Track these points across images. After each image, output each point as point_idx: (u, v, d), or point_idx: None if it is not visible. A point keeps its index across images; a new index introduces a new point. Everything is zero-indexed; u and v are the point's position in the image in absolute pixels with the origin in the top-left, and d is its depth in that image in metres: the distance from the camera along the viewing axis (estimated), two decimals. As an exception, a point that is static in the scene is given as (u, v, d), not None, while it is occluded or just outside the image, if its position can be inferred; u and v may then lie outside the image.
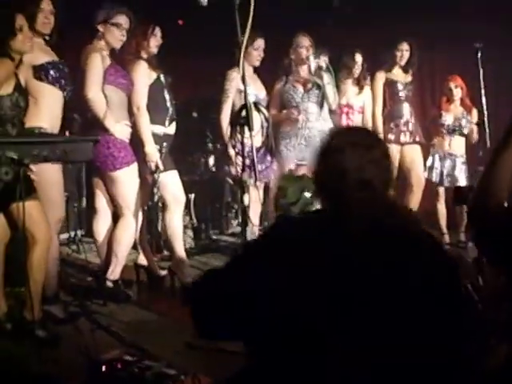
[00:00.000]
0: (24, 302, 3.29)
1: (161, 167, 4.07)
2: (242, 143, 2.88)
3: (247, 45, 4.23)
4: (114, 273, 4.08)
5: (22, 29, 3.24)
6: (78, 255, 5.37)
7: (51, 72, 3.60)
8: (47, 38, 3.68)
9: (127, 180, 3.99)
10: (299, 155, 4.70)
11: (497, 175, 1.57)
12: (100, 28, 3.92)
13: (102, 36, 3.92)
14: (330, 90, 4.67)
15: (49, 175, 3.45)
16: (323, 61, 4.70)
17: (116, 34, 3.93)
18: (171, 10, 6.02)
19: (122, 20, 3.94)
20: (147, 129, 4.05)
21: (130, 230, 4.07)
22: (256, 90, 4.56)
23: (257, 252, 1.61)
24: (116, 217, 4.13)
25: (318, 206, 2.76)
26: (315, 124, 4.74)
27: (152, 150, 4.04)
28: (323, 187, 1.66)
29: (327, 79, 4.65)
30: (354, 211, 1.56)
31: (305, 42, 4.76)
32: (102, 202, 4.18)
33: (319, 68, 4.63)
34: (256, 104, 3.14)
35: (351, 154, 1.57)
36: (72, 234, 5.66)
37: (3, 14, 3.27)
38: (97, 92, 3.81)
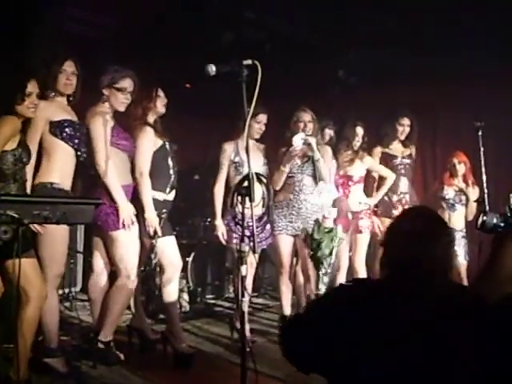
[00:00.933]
0: (11, 361, 3.23)
1: (159, 233, 4.08)
2: (243, 213, 2.88)
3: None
4: (107, 334, 4.01)
5: (30, 95, 3.34)
6: (70, 313, 5.31)
7: (66, 130, 3.69)
8: (70, 98, 3.81)
9: (127, 241, 3.97)
10: (289, 225, 4.69)
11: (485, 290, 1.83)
12: (105, 91, 3.97)
13: (106, 99, 3.97)
14: (321, 164, 4.65)
15: (55, 231, 3.47)
16: (317, 135, 4.73)
17: (120, 98, 3.98)
18: (179, 74, 6.19)
19: (127, 84, 3.99)
20: (148, 194, 4.07)
21: (125, 291, 4.02)
22: (253, 162, 4.53)
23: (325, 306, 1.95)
24: (113, 277, 4.09)
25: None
26: (308, 197, 4.71)
27: (152, 216, 4.07)
28: (392, 264, 1.92)
29: (318, 155, 4.62)
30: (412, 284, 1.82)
31: (305, 116, 4.74)
32: (99, 261, 4.15)
33: (308, 144, 4.58)
34: (258, 175, 3.16)
35: (423, 240, 1.86)
36: (66, 290, 5.62)
37: (16, 79, 3.37)
38: (105, 159, 3.85)
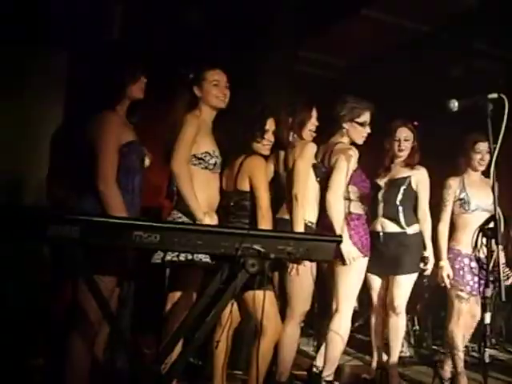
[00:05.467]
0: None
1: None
2: (488, 257, 2.70)
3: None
4: (328, 373, 3.91)
5: (267, 132, 3.53)
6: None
7: (319, 171, 3.77)
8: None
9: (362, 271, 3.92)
10: None
11: None
12: (345, 125, 3.95)
13: (346, 132, 3.96)
14: None
15: (304, 270, 3.50)
16: None
17: (360, 132, 3.95)
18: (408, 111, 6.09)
19: (367, 117, 3.96)
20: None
21: (345, 326, 3.91)
22: (479, 199, 4.25)
23: None
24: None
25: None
26: None
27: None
28: None
29: None
30: None
31: None
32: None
33: None
34: (505, 216, 2.92)
35: None
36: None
37: (259, 118, 3.57)
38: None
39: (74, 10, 4.30)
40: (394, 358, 4.22)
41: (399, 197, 4.14)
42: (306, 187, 3.61)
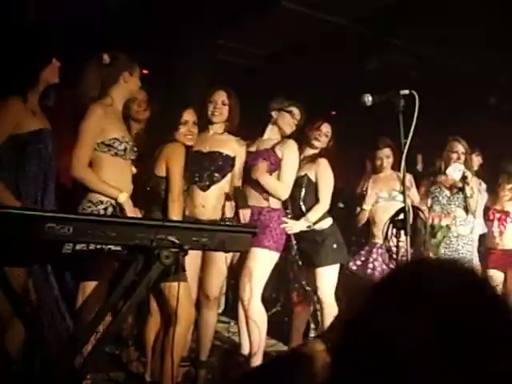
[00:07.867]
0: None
1: None
2: (397, 247, 2.81)
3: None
4: (256, 359, 3.94)
5: (186, 123, 3.49)
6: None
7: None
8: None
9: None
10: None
11: None
12: (273, 114, 4.04)
13: (274, 121, 4.05)
14: (472, 200, 4.47)
15: (215, 254, 3.58)
16: (470, 171, 4.50)
17: (288, 120, 4.02)
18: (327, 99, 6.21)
19: (296, 111, 4.05)
20: None
21: (263, 312, 3.99)
22: (382, 192, 4.54)
23: None
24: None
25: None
26: (459, 228, 4.51)
27: None
28: None
29: (469, 191, 4.43)
30: None
31: (459, 147, 4.58)
32: None
33: (464, 178, 4.41)
34: (415, 208, 3.05)
35: None
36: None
37: (175, 110, 3.57)
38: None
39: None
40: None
41: (301, 195, 4.20)
42: None
